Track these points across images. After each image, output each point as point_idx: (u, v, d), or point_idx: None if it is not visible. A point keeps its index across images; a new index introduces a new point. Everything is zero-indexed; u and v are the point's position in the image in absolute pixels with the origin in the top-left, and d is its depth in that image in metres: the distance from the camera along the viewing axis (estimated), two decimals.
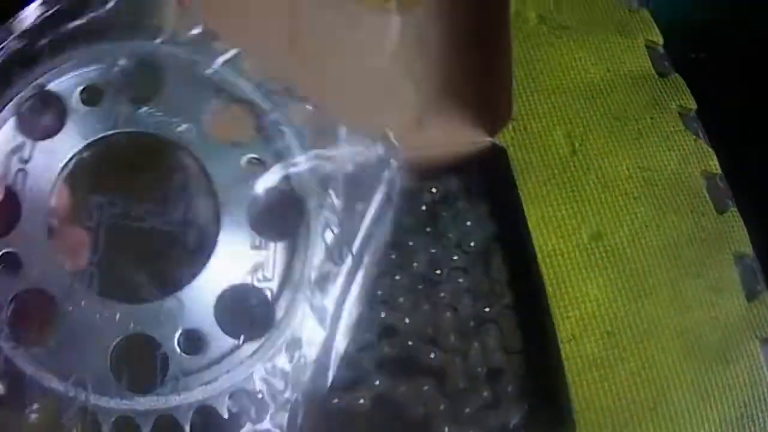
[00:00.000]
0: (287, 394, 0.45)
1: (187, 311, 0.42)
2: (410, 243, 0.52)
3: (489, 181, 0.55)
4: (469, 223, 0.53)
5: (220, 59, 0.45)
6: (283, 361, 0.44)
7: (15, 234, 0.40)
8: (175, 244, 0.44)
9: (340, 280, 0.46)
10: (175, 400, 0.42)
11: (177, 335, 0.42)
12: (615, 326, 0.56)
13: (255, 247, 0.44)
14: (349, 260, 0.46)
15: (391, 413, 0.49)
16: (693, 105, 0.66)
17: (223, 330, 0.43)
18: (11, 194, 0.39)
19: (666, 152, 0.63)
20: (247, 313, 0.44)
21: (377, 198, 0.47)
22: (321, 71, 0.53)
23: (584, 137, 0.62)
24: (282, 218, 0.45)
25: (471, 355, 0.50)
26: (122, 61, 0.43)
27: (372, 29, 0.54)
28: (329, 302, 0.46)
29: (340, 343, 0.46)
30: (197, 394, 0.42)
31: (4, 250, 0.39)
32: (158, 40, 0.44)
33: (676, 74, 0.67)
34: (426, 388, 0.49)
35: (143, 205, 0.43)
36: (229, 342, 0.43)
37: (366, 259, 0.47)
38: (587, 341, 0.55)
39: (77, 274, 0.41)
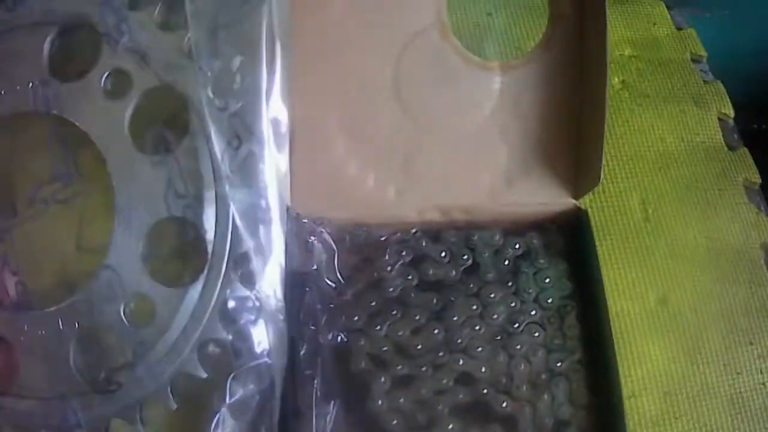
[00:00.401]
0: (256, 323, 0.44)
1: (117, 282, 0.40)
2: (491, 295, 0.54)
3: (569, 240, 0.56)
4: (547, 280, 0.55)
5: None
6: (238, 288, 0.43)
7: None
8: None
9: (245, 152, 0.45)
10: (146, 383, 0.40)
11: (122, 311, 0.40)
12: (672, 387, 0.58)
13: (155, 164, 0.42)
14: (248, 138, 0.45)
15: None
16: (758, 179, 0.67)
17: (160, 282, 0.41)
18: None
19: (730, 223, 0.64)
20: (177, 250, 0.43)
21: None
22: (422, 122, 0.56)
23: (657, 204, 0.64)
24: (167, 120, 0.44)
25: (540, 407, 0.52)
26: None
27: (473, 86, 0.56)
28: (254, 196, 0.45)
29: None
30: (165, 368, 0.40)
31: None
32: None
33: (744, 147, 0.69)
34: None
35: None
36: (172, 295, 0.41)
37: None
38: (646, 399, 0.58)
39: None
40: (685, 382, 0.58)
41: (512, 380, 0.53)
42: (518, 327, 0.54)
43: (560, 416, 0.52)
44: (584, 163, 0.55)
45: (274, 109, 0.49)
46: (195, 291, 0.41)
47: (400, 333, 0.53)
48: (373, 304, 0.54)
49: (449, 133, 0.56)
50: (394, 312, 0.53)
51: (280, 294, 0.47)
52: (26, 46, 0.44)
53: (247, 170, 0.45)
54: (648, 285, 0.61)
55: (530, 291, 0.55)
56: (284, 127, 0.50)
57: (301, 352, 0.52)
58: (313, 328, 0.53)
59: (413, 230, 0.56)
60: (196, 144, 0.43)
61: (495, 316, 0.54)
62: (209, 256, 0.42)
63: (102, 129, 0.42)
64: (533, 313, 0.54)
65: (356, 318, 0.53)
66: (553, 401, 0.52)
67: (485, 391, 0.52)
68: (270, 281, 0.46)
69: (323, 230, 0.55)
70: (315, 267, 0.54)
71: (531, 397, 0.52)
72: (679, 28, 0.74)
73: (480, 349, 0.53)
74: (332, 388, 0.51)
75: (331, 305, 0.54)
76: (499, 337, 0.54)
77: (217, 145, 0.44)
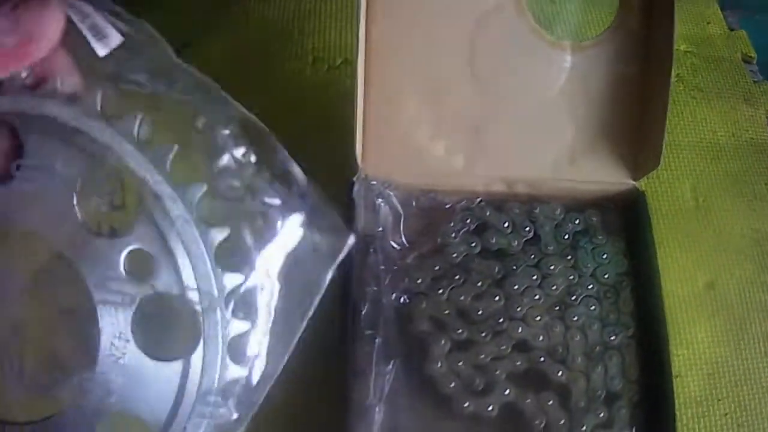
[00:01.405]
0: None
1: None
2: (551, 267, 0.53)
3: (626, 220, 0.56)
4: (605, 256, 0.54)
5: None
6: None
7: None
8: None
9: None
10: None
11: None
12: (716, 369, 0.57)
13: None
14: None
15: (515, 422, 0.50)
16: None
17: None
18: None
19: None
20: None
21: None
22: (493, 95, 0.55)
23: (707, 193, 0.63)
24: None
25: (593, 378, 0.51)
26: None
27: (544, 64, 0.55)
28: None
29: None
30: None
31: None
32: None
33: None
34: (550, 402, 0.50)
35: None
36: None
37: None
38: (691, 380, 0.56)
39: None
40: (728, 366, 0.57)
41: (568, 350, 0.52)
42: (575, 299, 0.53)
43: (612, 389, 0.51)
44: (645, 146, 0.55)
45: None
46: None
47: (461, 298, 0.52)
48: (437, 268, 0.52)
49: (519, 108, 0.55)
50: (457, 277, 0.52)
51: None
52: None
53: None
54: (696, 269, 0.60)
55: (588, 266, 0.54)
56: None
57: (363, 312, 0.51)
58: (375, 288, 0.52)
59: (478, 199, 0.55)
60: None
61: (554, 288, 0.53)
62: None
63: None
64: (590, 287, 0.53)
65: (419, 281, 0.52)
66: (605, 373, 0.51)
67: (542, 359, 0.51)
68: None
69: (391, 193, 0.54)
70: (381, 229, 0.53)
71: (585, 368, 0.51)
72: (731, 29, 0.73)
73: (538, 318, 0.52)
74: (392, 349, 0.50)
75: (395, 267, 0.52)
76: (557, 308, 0.53)
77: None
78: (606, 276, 0.54)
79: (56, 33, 0.35)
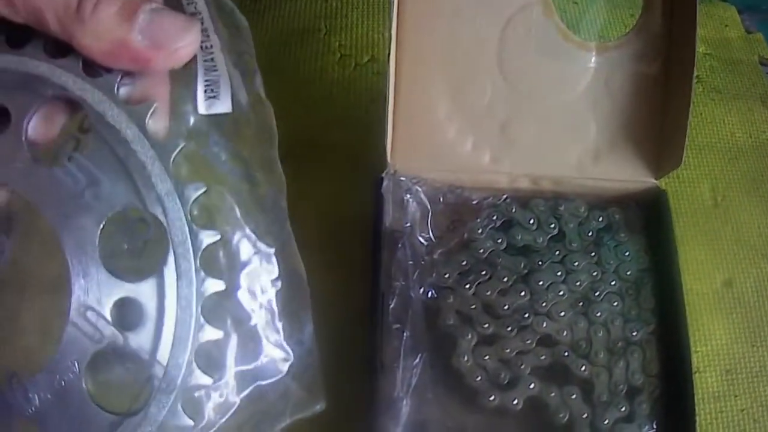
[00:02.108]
0: None
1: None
2: (575, 263, 0.53)
3: (647, 218, 0.55)
4: (627, 253, 0.54)
5: None
6: None
7: None
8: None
9: None
10: None
11: None
12: (733, 365, 0.57)
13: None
14: None
15: (539, 416, 0.50)
16: None
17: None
18: None
19: None
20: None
21: None
22: (520, 93, 0.55)
23: (726, 193, 0.63)
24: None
25: (616, 373, 0.51)
26: None
27: (570, 63, 0.55)
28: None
29: None
30: None
31: None
32: None
33: None
34: (573, 396, 0.50)
35: None
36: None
37: None
38: (709, 376, 0.56)
39: None
40: (746, 363, 0.57)
41: (591, 346, 0.51)
42: (599, 295, 0.52)
43: (633, 383, 0.51)
44: (667, 146, 0.54)
45: None
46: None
47: (488, 293, 0.51)
48: (464, 263, 0.52)
49: (544, 106, 0.55)
50: (483, 272, 0.52)
51: None
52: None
53: None
54: (715, 267, 0.60)
55: (611, 262, 0.53)
56: None
57: (391, 306, 0.51)
58: (403, 283, 0.51)
59: (504, 196, 0.54)
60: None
61: (578, 283, 0.52)
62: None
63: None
64: (613, 283, 0.53)
65: (446, 275, 0.52)
66: (627, 368, 0.51)
67: (566, 354, 0.51)
68: None
69: (419, 189, 0.53)
70: (408, 224, 0.53)
71: (608, 363, 0.51)
72: (748, 32, 0.73)
73: (563, 313, 0.52)
74: (420, 342, 0.50)
75: (423, 262, 0.52)
76: (581, 304, 0.52)
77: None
78: (628, 273, 0.53)
79: (183, 57, 0.34)
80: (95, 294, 0.35)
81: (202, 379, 0.36)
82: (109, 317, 0.35)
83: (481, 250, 0.53)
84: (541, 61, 0.55)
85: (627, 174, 0.55)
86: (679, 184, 0.62)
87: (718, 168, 0.64)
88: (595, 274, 0.53)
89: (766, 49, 0.71)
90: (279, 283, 0.39)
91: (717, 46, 0.71)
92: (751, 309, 0.59)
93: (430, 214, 0.54)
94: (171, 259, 0.36)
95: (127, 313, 0.36)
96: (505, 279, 0.52)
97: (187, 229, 0.36)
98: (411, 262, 0.52)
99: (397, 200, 0.53)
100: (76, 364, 0.35)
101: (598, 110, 0.55)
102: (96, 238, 0.35)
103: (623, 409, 0.50)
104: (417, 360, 0.50)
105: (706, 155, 0.64)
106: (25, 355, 0.37)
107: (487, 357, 0.50)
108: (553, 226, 0.54)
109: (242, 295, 0.38)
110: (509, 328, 0.51)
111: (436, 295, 0.52)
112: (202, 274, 0.36)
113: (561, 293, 0.52)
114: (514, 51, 0.54)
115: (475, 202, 0.54)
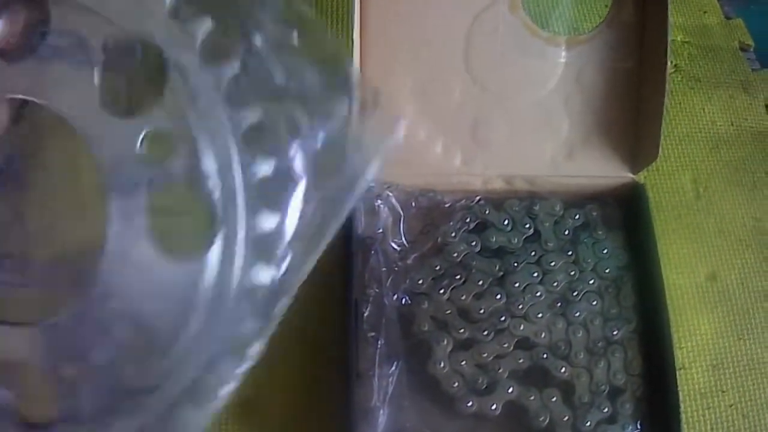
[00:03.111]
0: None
1: None
2: (552, 263, 0.51)
3: (625, 214, 0.54)
4: (605, 251, 0.52)
5: None
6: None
7: None
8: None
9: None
10: None
11: None
12: (720, 360, 0.55)
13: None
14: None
15: (519, 420, 0.49)
16: None
17: None
18: None
19: None
20: None
21: None
22: (489, 91, 0.53)
23: (707, 184, 0.61)
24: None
25: (597, 373, 0.49)
26: None
27: (539, 59, 0.53)
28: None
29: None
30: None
31: None
32: None
33: None
34: (554, 399, 0.49)
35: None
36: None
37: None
38: (695, 372, 0.55)
39: None
40: (732, 357, 0.55)
41: (570, 347, 0.50)
42: (577, 295, 0.51)
43: (615, 383, 0.50)
44: (643, 139, 0.53)
45: None
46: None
47: (462, 297, 0.50)
48: (438, 268, 0.51)
49: (515, 104, 0.53)
50: (458, 276, 0.50)
51: None
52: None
53: None
54: (698, 261, 0.58)
55: (589, 261, 0.52)
56: None
57: (365, 314, 0.49)
58: (377, 290, 0.50)
59: (477, 198, 0.53)
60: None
61: (555, 284, 0.51)
62: None
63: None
64: (591, 282, 0.52)
65: (420, 281, 0.50)
66: (609, 369, 0.50)
67: (544, 356, 0.49)
68: None
69: (390, 194, 0.52)
70: (380, 230, 0.51)
71: (588, 363, 0.50)
72: (727, 18, 0.71)
73: (540, 315, 0.50)
74: (395, 350, 0.49)
75: (396, 268, 0.51)
76: (558, 304, 0.51)
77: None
78: (607, 270, 0.52)
79: None
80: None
81: None
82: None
83: (455, 254, 0.51)
84: (509, 59, 0.53)
85: (603, 170, 0.54)
86: (660, 176, 0.60)
87: (700, 158, 0.62)
88: (572, 273, 0.52)
89: (746, 34, 0.69)
90: None
91: (695, 34, 0.69)
92: (736, 301, 0.57)
93: (402, 219, 0.52)
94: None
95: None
96: (480, 282, 0.51)
97: None
98: (384, 269, 0.51)
99: (368, 206, 0.51)
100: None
101: (571, 106, 0.54)
102: None
103: (605, 410, 0.49)
104: (393, 368, 0.48)
105: (686, 146, 0.62)
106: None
107: (463, 362, 0.49)
108: (528, 226, 0.52)
109: None
110: (485, 332, 0.50)
111: (410, 302, 0.50)
112: None
113: (538, 294, 0.51)
114: (481, 49, 0.53)
115: (447, 205, 0.53)
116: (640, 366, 0.50)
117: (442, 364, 0.49)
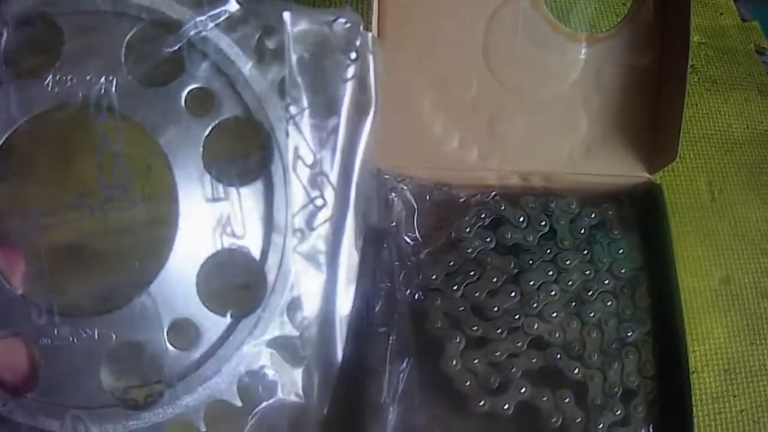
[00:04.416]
0: (297, 361, 0.39)
1: (165, 303, 0.35)
2: (567, 262, 0.50)
3: (641, 214, 0.52)
4: (621, 251, 0.51)
5: None
6: (286, 328, 0.38)
7: None
8: (125, 236, 0.36)
9: (327, 213, 0.39)
10: (181, 405, 0.35)
11: (165, 332, 0.35)
12: (732, 365, 0.54)
13: (211, 199, 0.36)
14: (331, 194, 0.39)
15: (531, 420, 0.48)
16: None
17: (211, 310, 0.36)
18: None
19: None
20: (234, 282, 0.37)
21: (347, 95, 0.40)
22: (507, 86, 0.52)
23: (722, 186, 0.60)
24: (243, 156, 0.38)
25: (610, 375, 0.48)
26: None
27: (559, 55, 0.52)
28: (320, 242, 0.39)
29: (344, 288, 0.41)
30: (203, 393, 0.36)
31: None
32: None
33: None
34: (567, 400, 0.47)
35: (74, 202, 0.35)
36: (221, 323, 0.36)
37: (354, 184, 0.41)
38: (707, 376, 0.54)
39: (32, 304, 0.33)
40: (744, 362, 0.54)
41: (584, 347, 0.49)
42: (592, 295, 0.50)
43: (628, 385, 0.48)
44: (661, 139, 0.52)
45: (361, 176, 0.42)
46: (246, 325, 0.37)
47: (476, 294, 0.49)
48: (451, 263, 0.49)
49: (533, 100, 0.52)
50: (472, 273, 0.49)
51: (328, 341, 0.42)
52: (106, 36, 0.35)
53: (324, 233, 0.40)
54: (712, 263, 0.57)
55: (604, 260, 0.51)
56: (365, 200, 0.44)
57: (376, 309, 0.48)
58: (389, 284, 0.49)
59: (493, 193, 0.51)
60: (273, 185, 0.37)
61: (570, 283, 0.49)
62: (267, 295, 0.37)
63: (176, 142, 0.35)
64: (606, 282, 0.50)
65: (433, 277, 0.49)
66: (622, 370, 0.49)
67: (558, 356, 0.48)
68: (320, 328, 0.41)
69: (404, 187, 0.50)
70: (394, 224, 0.50)
71: (602, 365, 0.48)
72: (744, 20, 0.70)
73: (554, 314, 0.49)
74: (406, 346, 0.47)
75: (409, 262, 0.49)
76: (573, 304, 0.50)
77: (296, 196, 0.38)
78: (622, 271, 0.51)
79: None
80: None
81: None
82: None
83: (470, 250, 0.50)
84: (529, 54, 0.52)
85: (620, 169, 0.53)
86: (675, 178, 0.59)
87: (715, 161, 0.61)
88: (587, 272, 0.50)
89: (762, 37, 0.68)
90: None
91: (712, 35, 0.68)
92: (749, 306, 0.56)
93: (416, 212, 0.51)
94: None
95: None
96: (495, 279, 0.49)
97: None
98: (397, 263, 0.49)
99: (382, 199, 0.50)
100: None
101: (589, 103, 0.52)
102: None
103: (618, 412, 0.48)
104: (404, 364, 0.47)
105: (701, 148, 0.61)
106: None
107: (476, 361, 0.48)
108: (543, 223, 0.51)
109: None
110: (499, 331, 0.48)
111: (423, 297, 0.49)
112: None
113: (553, 293, 0.49)
114: (500, 43, 0.51)
115: (462, 200, 0.52)
116: (654, 369, 0.49)
117: (454, 362, 0.47)
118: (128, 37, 0.35)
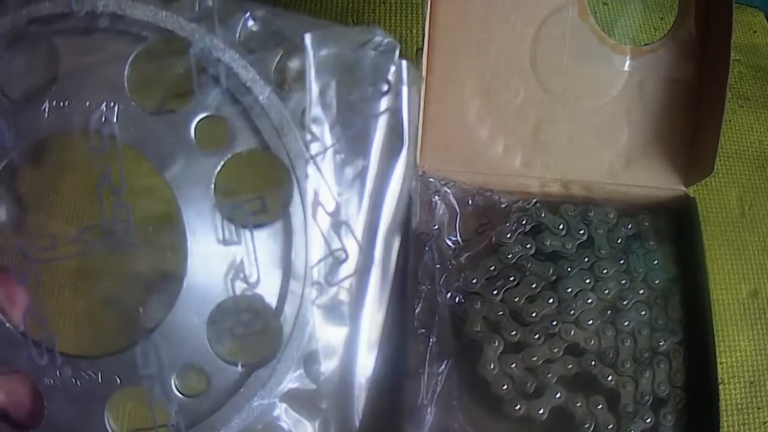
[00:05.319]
0: (314, 414, 0.36)
1: (171, 350, 0.32)
2: (604, 271, 0.50)
3: (676, 226, 0.53)
4: (656, 261, 0.51)
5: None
6: (303, 381, 0.35)
7: None
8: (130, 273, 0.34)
9: (350, 268, 0.35)
10: None
11: (172, 379, 0.33)
12: (757, 377, 0.55)
13: (222, 242, 0.32)
14: (355, 248, 0.35)
15: (564, 426, 0.48)
16: None
17: (222, 359, 0.33)
18: None
19: None
20: (247, 331, 0.34)
21: (378, 133, 0.35)
22: (553, 94, 0.52)
23: (753, 201, 0.61)
24: (258, 195, 0.34)
25: (642, 383, 0.48)
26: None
27: (604, 66, 0.52)
28: (343, 293, 0.35)
29: (365, 347, 0.37)
30: None
31: None
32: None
33: None
34: (599, 406, 0.48)
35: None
36: (233, 373, 0.34)
37: (381, 235, 0.36)
38: (733, 387, 0.54)
39: (33, 342, 0.31)
40: None
41: (618, 355, 0.49)
42: (627, 304, 0.50)
43: (659, 394, 0.49)
44: (698, 153, 0.52)
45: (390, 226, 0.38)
46: (260, 376, 0.34)
47: (515, 299, 0.49)
48: (492, 268, 0.50)
49: (577, 109, 0.52)
50: (512, 278, 0.49)
51: (347, 395, 0.38)
52: (106, 57, 0.32)
53: (346, 284, 0.36)
54: (741, 277, 0.58)
55: (639, 270, 0.51)
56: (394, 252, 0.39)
57: (417, 310, 0.48)
58: (430, 286, 0.49)
59: (533, 200, 0.52)
60: (291, 228, 0.33)
61: (606, 291, 0.50)
62: (282, 347, 0.34)
63: (184, 177, 0.32)
64: (641, 291, 0.51)
65: (474, 281, 0.49)
66: (653, 379, 0.49)
67: (593, 363, 0.48)
68: (339, 383, 0.37)
69: (448, 191, 0.51)
70: (436, 227, 0.50)
71: (634, 373, 0.49)
72: None
73: (590, 322, 0.49)
74: (446, 348, 0.48)
75: (450, 266, 0.50)
76: (608, 312, 0.50)
77: (315, 246, 0.34)
78: (656, 281, 0.51)
79: None
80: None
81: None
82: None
83: (510, 255, 0.50)
84: (575, 64, 0.52)
85: (657, 181, 0.53)
86: (707, 191, 0.60)
87: (746, 176, 0.62)
88: (623, 282, 0.51)
89: None
90: None
91: (745, 52, 0.68)
92: None
93: (458, 216, 0.51)
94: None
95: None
96: (534, 285, 0.49)
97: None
98: (438, 266, 0.49)
99: (425, 202, 0.50)
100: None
101: (631, 115, 0.53)
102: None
103: (648, 420, 0.48)
104: (442, 366, 0.47)
105: (734, 163, 0.62)
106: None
107: (513, 365, 0.48)
108: (582, 232, 0.51)
109: None
110: (536, 336, 0.49)
111: (463, 301, 0.49)
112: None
113: (589, 301, 0.50)
114: (548, 52, 0.52)
115: (504, 206, 0.52)
116: (684, 378, 0.49)
117: (491, 366, 0.48)
118: (131, 58, 0.32)
